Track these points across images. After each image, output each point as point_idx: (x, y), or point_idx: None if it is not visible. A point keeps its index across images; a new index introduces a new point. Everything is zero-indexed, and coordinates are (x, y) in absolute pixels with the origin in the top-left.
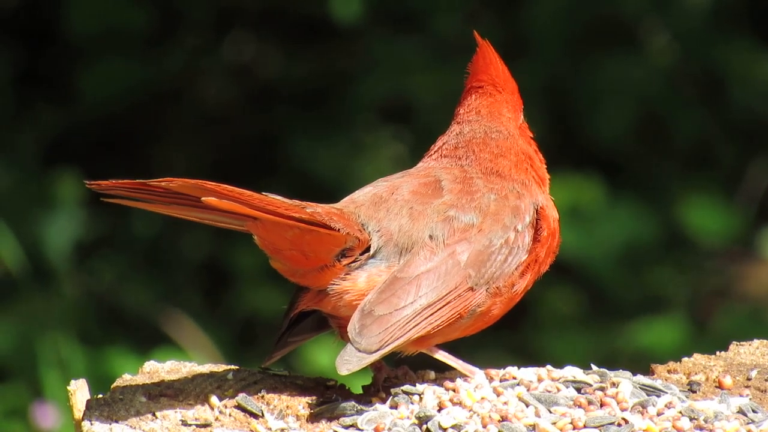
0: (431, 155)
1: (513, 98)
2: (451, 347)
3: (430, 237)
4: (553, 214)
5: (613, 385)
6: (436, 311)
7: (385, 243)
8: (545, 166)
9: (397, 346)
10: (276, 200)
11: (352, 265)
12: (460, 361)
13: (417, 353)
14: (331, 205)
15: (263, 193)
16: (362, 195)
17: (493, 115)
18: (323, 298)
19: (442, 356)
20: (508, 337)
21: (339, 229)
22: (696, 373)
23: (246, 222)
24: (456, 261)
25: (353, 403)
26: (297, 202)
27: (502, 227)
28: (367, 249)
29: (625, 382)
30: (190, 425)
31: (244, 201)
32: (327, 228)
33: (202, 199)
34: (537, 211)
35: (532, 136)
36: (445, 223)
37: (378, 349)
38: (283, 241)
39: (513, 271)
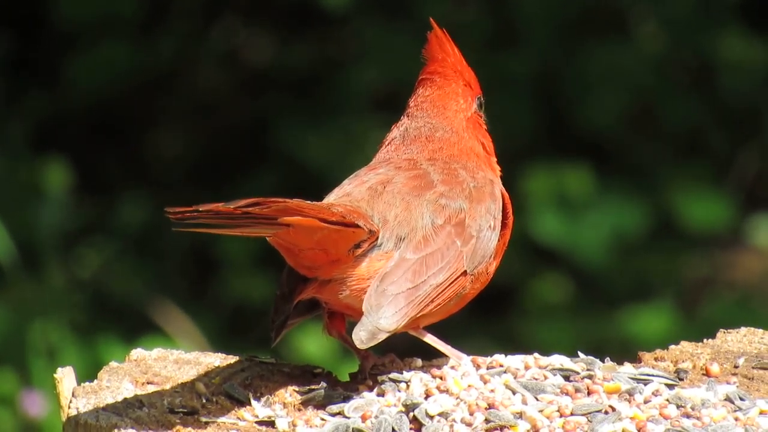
0: (384, 148)
1: (464, 89)
2: (438, 334)
3: (427, 222)
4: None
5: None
6: (441, 292)
7: (385, 232)
8: (494, 158)
9: (407, 324)
10: (322, 208)
11: (358, 254)
12: (449, 346)
13: (403, 337)
14: (343, 202)
15: (294, 199)
16: (356, 189)
17: (438, 110)
18: (326, 286)
19: (431, 340)
20: (495, 325)
21: (362, 226)
22: (683, 361)
23: (282, 229)
24: (454, 243)
25: (340, 390)
26: (323, 204)
27: (486, 212)
28: (376, 240)
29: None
30: (177, 413)
31: (307, 214)
32: (354, 227)
33: (286, 219)
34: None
35: (485, 126)
36: (438, 210)
37: (395, 328)
38: (308, 242)
39: (491, 255)
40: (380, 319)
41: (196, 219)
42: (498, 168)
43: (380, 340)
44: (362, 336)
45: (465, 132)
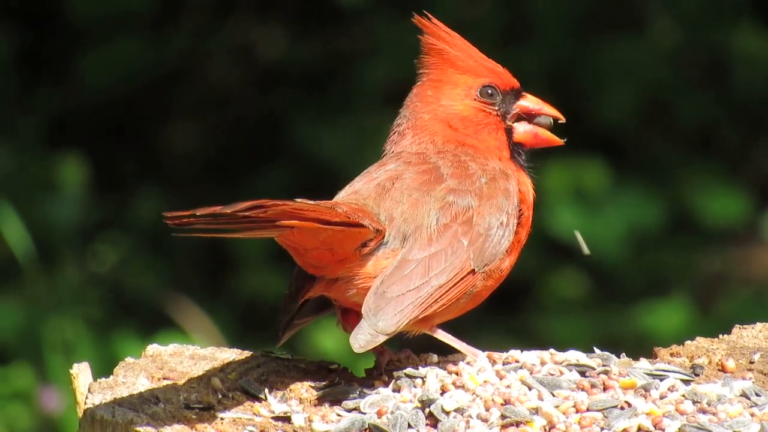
0: (390, 141)
1: (455, 77)
2: (453, 330)
3: (432, 221)
4: (529, 191)
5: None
6: (445, 292)
7: (392, 230)
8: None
9: (407, 325)
10: (324, 209)
11: (365, 253)
12: (463, 343)
13: (419, 334)
14: (349, 201)
15: (297, 199)
16: (364, 186)
17: (418, 99)
18: (333, 285)
19: (445, 337)
20: (511, 320)
21: (368, 226)
22: (699, 357)
23: (284, 231)
24: (460, 243)
25: (356, 386)
26: (328, 203)
27: (497, 210)
28: (383, 238)
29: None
30: (193, 408)
31: (307, 217)
32: (359, 226)
33: (285, 222)
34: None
35: (494, 113)
36: (445, 208)
37: (394, 330)
38: (314, 242)
39: (504, 252)
40: (379, 321)
41: (194, 224)
42: (502, 154)
43: (379, 343)
44: (360, 340)
45: (434, 118)
